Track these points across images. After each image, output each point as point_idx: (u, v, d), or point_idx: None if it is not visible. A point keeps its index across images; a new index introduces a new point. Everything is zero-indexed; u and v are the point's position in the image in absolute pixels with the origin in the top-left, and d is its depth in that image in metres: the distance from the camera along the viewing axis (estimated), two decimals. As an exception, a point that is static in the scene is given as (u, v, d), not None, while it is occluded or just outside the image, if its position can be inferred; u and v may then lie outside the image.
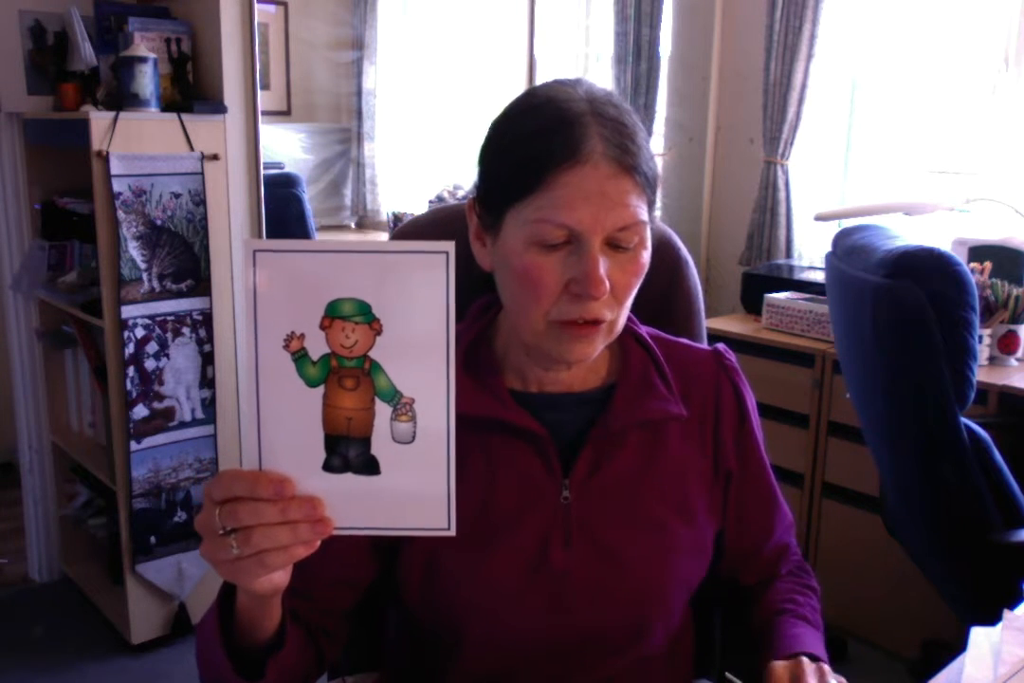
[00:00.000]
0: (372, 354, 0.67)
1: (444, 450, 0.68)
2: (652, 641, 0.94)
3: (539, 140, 0.82)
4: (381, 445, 0.68)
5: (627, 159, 0.82)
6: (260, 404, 0.68)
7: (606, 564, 0.91)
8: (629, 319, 0.94)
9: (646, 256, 0.85)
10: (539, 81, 3.52)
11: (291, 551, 0.66)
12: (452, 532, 0.68)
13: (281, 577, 0.70)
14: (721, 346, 1.02)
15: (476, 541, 0.89)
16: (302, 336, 0.67)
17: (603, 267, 0.81)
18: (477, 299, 0.99)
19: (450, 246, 0.65)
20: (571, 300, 0.83)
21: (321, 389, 0.68)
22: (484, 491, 0.91)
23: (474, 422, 0.89)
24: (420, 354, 0.67)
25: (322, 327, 0.67)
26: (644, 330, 0.98)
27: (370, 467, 0.68)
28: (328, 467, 0.68)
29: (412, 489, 0.68)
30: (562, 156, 0.80)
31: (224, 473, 0.68)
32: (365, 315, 0.66)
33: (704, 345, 1.05)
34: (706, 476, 0.96)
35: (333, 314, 0.66)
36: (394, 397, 0.67)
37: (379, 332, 0.67)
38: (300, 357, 0.67)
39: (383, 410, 0.67)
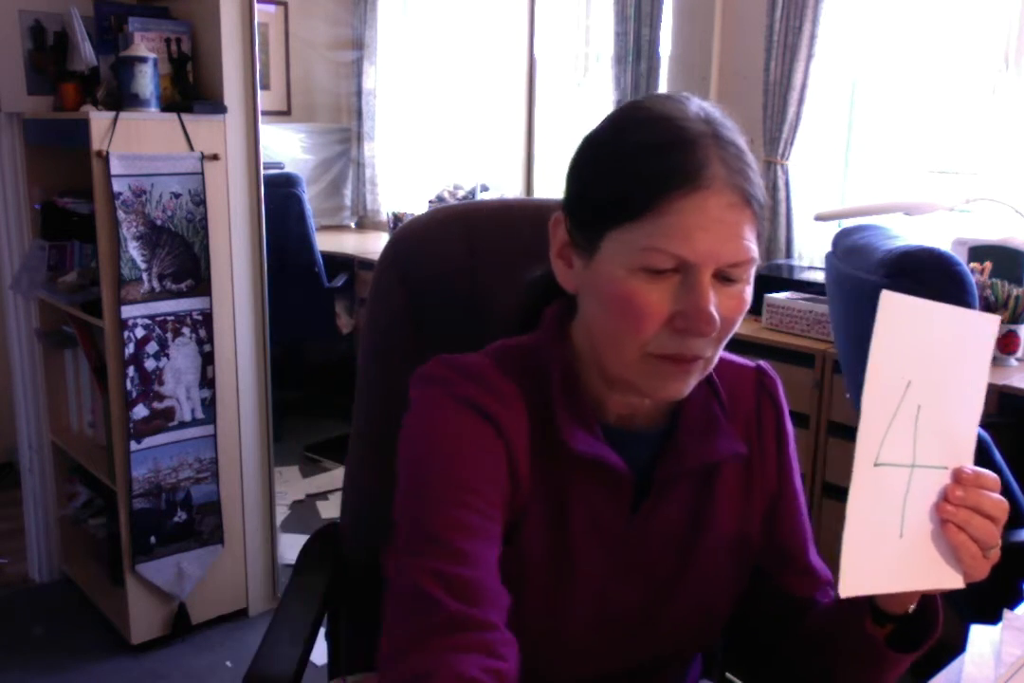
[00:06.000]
0: None
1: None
2: (681, 663, 0.96)
3: (654, 159, 0.75)
4: None
5: (748, 188, 0.76)
6: None
7: (657, 601, 0.89)
8: None
9: (749, 292, 0.80)
10: (539, 81, 3.55)
11: None
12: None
13: None
14: (764, 364, 0.97)
15: (552, 577, 0.87)
16: None
17: (713, 302, 0.76)
18: (544, 305, 0.92)
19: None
20: (673, 334, 0.77)
21: None
22: (559, 526, 0.86)
23: (567, 455, 0.85)
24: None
25: None
26: None
27: None
28: None
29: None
30: (681, 179, 0.74)
31: None
32: None
33: (743, 360, 1.00)
34: (755, 500, 0.93)
35: None
36: None
37: None
38: None
39: None
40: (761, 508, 0.94)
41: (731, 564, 0.92)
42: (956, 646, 0.95)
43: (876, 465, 0.71)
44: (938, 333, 0.72)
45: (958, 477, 0.73)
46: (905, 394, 0.71)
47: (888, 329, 0.70)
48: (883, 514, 0.72)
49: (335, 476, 3.42)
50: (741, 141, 0.78)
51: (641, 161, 0.76)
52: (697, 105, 0.80)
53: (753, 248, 0.77)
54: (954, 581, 0.75)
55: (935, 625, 0.83)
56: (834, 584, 0.73)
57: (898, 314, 0.71)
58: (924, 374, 0.72)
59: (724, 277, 0.77)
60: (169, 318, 2.17)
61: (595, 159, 0.81)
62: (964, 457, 0.74)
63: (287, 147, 4.17)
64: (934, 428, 0.73)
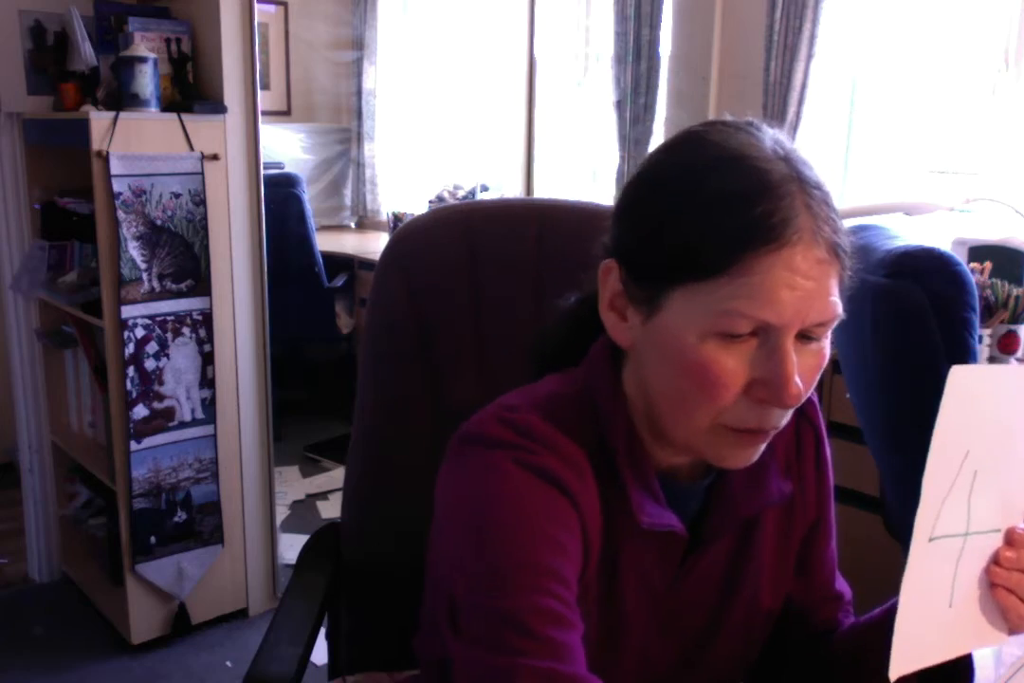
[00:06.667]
0: None
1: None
2: None
3: (733, 211, 0.66)
4: None
5: (836, 238, 0.68)
6: None
7: (696, 650, 0.87)
8: None
9: (828, 347, 0.71)
10: (539, 81, 3.55)
11: None
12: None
13: None
14: None
15: (601, 633, 0.82)
16: None
17: (797, 368, 0.68)
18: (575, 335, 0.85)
19: None
20: (751, 405, 0.69)
21: None
22: (610, 583, 0.81)
23: (631, 522, 0.78)
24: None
25: None
26: None
27: None
28: None
29: None
30: (767, 235, 0.65)
31: None
32: None
33: None
34: (794, 534, 0.90)
35: None
36: None
37: None
38: None
39: None
40: (799, 539, 0.91)
41: (769, 601, 0.89)
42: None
43: (931, 540, 0.67)
44: (1002, 397, 0.67)
45: (1011, 539, 0.70)
46: (963, 464, 0.67)
47: (955, 405, 0.65)
48: (935, 588, 0.69)
49: (335, 476, 3.42)
50: (822, 180, 0.70)
51: (717, 212, 0.67)
52: (771, 138, 0.71)
53: (839, 304, 0.69)
54: (997, 638, 0.72)
55: (966, 662, 0.80)
56: (887, 667, 0.66)
57: (966, 387, 0.66)
58: (982, 440, 0.67)
59: (805, 336, 0.69)
60: (169, 318, 2.17)
61: (657, 204, 0.71)
62: (1016, 517, 0.70)
63: (287, 147, 4.17)
64: (988, 492, 0.68)
